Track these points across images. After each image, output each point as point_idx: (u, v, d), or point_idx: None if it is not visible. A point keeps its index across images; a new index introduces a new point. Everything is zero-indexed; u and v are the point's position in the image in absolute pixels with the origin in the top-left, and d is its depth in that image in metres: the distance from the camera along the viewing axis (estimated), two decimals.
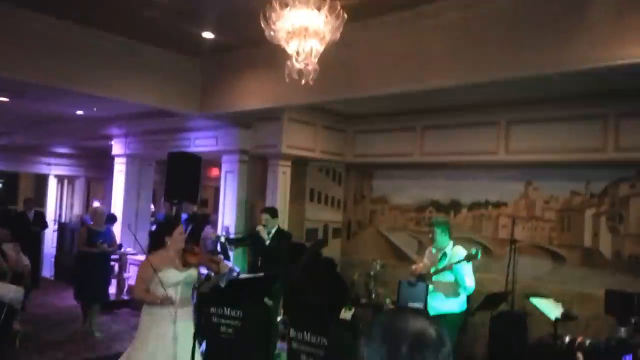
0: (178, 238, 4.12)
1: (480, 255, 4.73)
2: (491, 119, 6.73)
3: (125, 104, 7.17)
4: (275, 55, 4.81)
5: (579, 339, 1.51)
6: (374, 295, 6.97)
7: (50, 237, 12.54)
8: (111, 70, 6.30)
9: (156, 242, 4.20)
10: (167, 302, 3.91)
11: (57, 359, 6.07)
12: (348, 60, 5.45)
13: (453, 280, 4.91)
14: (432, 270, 5.02)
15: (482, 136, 6.80)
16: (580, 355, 1.50)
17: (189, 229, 8.53)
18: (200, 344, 5.30)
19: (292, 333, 4.63)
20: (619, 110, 5.81)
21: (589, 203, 6.23)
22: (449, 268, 4.84)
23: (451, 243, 5.11)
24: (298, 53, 3.96)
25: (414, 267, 5.36)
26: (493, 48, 4.68)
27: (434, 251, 5.18)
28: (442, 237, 5.06)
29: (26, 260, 7.31)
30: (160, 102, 6.89)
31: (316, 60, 3.99)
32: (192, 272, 4.12)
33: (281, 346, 6.26)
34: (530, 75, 4.57)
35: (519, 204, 6.76)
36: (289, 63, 3.98)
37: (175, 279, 4.01)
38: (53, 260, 12.00)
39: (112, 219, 8.69)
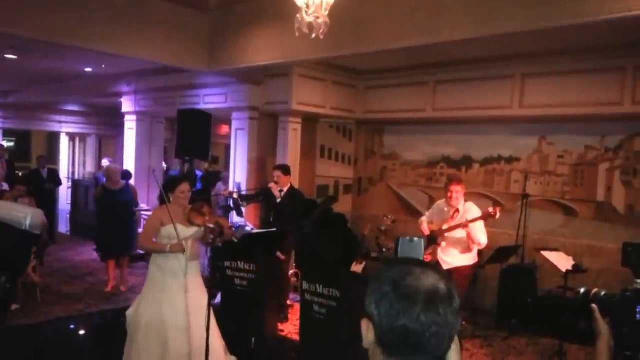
0: (179, 196, 4.14)
1: (498, 215, 4.71)
2: (505, 73, 6.59)
3: (133, 61, 7.10)
4: (284, 8, 4.71)
5: (594, 290, 1.53)
6: (384, 250, 7.06)
7: (64, 194, 12.74)
8: (117, 26, 6.19)
9: (161, 198, 4.24)
10: (177, 248, 3.99)
11: (77, 311, 6.28)
12: (359, 13, 5.32)
13: (465, 237, 4.93)
14: (445, 227, 5.05)
15: (495, 90, 6.68)
16: (595, 306, 1.51)
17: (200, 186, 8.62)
18: (215, 296, 5.46)
19: (305, 285, 4.74)
20: (636, 62, 5.66)
21: (603, 157, 6.18)
22: (465, 226, 4.84)
23: (462, 200, 5.11)
24: (308, 5, 3.86)
25: (424, 225, 5.36)
26: None
27: (446, 209, 5.18)
28: (460, 196, 5.07)
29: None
30: (167, 58, 6.80)
31: (326, 12, 3.90)
32: (200, 229, 4.17)
33: (294, 297, 6.43)
34: (546, 26, 4.43)
35: (532, 159, 6.72)
36: (298, 16, 3.88)
37: (184, 234, 4.06)
38: (68, 216, 12.24)
39: (127, 175, 8.78)
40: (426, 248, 5.23)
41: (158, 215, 4.14)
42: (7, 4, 5.39)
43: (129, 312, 4.16)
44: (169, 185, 4.25)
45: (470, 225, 4.79)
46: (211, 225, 4.05)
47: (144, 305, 4.06)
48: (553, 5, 4.28)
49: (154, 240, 4.12)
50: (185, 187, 4.20)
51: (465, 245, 4.96)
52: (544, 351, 5.45)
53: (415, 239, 5.43)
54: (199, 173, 8.96)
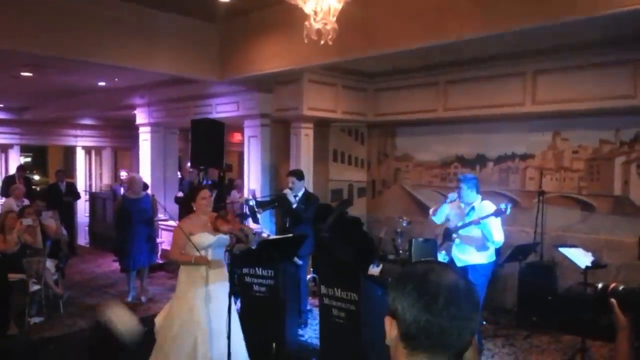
0: (201, 202, 4.28)
1: (509, 211, 4.71)
2: (516, 70, 6.56)
3: (146, 73, 7.19)
4: (292, 16, 4.75)
5: (612, 285, 1.53)
6: (401, 251, 7.05)
7: (82, 207, 12.92)
8: (127, 40, 6.27)
9: (186, 209, 4.37)
10: (201, 261, 4.10)
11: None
12: (366, 17, 5.34)
13: (480, 234, 4.92)
14: (459, 224, 5.05)
15: (507, 88, 6.66)
16: (614, 300, 1.51)
17: (214, 194, 8.68)
18: (235, 303, 5.50)
19: (323, 289, 4.76)
20: None
21: (618, 151, 6.12)
22: (476, 222, 4.84)
23: (479, 198, 5.10)
24: (316, 12, 3.90)
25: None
26: None
27: (462, 205, 5.18)
28: (469, 193, 5.05)
29: (63, 230, 7.57)
30: (178, 69, 6.88)
31: (334, 18, 3.93)
32: (223, 235, 4.23)
33: (312, 302, 6.45)
34: (555, 22, 4.41)
35: (546, 155, 6.68)
36: (307, 23, 3.92)
37: (207, 242, 4.16)
38: (87, 228, 12.41)
39: (145, 186, 8.85)
40: (441, 245, 5.25)
41: (179, 230, 4.23)
42: (21, 25, 5.50)
43: (157, 319, 4.27)
44: (191, 195, 4.40)
45: (484, 222, 4.77)
46: (237, 233, 4.12)
47: (172, 313, 4.17)
48: (562, 1, 4.27)
49: (182, 252, 4.22)
50: (204, 193, 4.34)
51: (481, 243, 4.94)
52: (567, 348, 5.40)
53: (429, 239, 5.41)
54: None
